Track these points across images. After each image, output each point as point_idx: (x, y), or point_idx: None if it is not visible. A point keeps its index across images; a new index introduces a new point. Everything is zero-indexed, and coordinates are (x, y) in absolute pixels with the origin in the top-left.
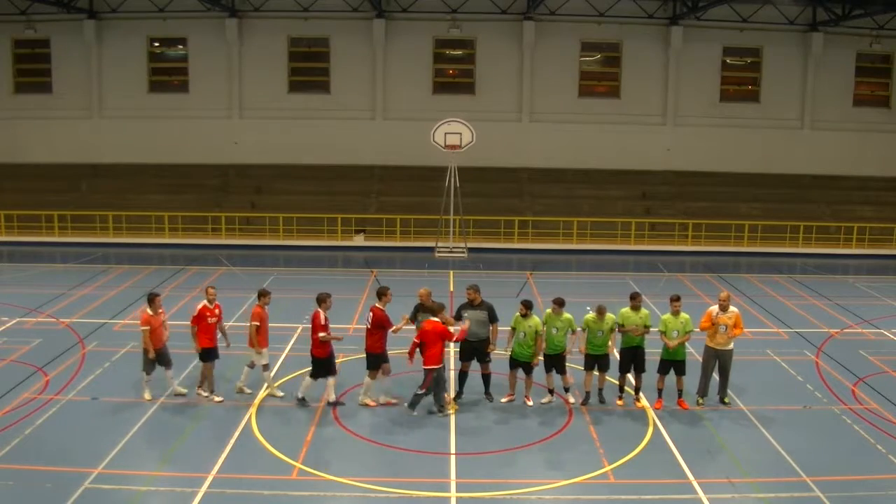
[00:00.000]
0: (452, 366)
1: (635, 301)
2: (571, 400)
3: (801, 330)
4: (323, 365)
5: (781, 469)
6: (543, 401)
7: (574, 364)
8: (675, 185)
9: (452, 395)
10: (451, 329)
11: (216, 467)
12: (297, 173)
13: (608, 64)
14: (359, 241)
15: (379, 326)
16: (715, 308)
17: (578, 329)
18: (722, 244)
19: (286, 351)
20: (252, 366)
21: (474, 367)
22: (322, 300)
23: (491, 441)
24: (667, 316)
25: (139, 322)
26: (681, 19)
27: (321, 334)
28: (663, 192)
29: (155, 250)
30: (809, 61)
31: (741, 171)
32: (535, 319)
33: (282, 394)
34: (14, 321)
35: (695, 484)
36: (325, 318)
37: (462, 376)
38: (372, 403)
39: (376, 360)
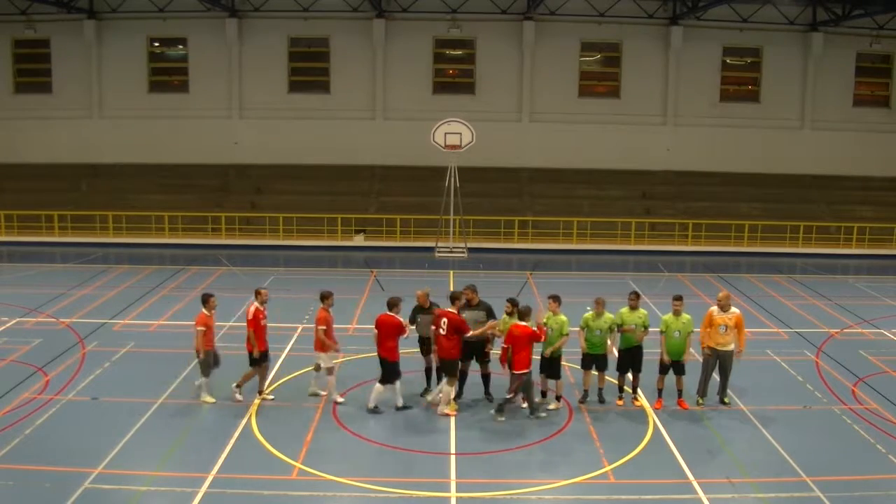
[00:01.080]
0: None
1: (633, 301)
2: (551, 407)
3: (801, 330)
4: (394, 369)
5: (781, 469)
6: (551, 407)
7: (572, 363)
8: (675, 185)
9: (452, 395)
10: (535, 328)
11: (216, 467)
12: (297, 173)
13: (608, 64)
14: (359, 241)
15: (456, 331)
16: (715, 308)
17: (574, 329)
18: (722, 244)
19: (286, 351)
20: (318, 369)
21: (474, 366)
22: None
23: (491, 441)
24: (668, 316)
25: (195, 323)
26: (681, 19)
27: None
28: (663, 192)
29: (155, 250)
30: (809, 61)
31: (741, 171)
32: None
33: (341, 399)
34: (14, 321)
35: (695, 484)
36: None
37: (462, 377)
38: (452, 412)
39: (454, 367)
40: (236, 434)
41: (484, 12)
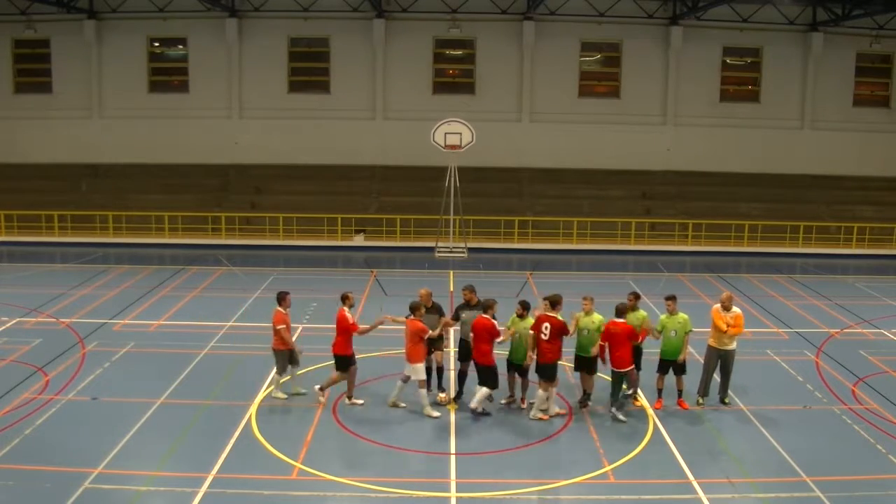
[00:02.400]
0: (452, 366)
1: (632, 301)
2: (539, 415)
3: (801, 330)
4: (493, 374)
5: (781, 469)
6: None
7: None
8: (675, 185)
9: (452, 394)
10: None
11: (216, 467)
12: (297, 173)
13: (608, 64)
14: (359, 241)
15: (559, 336)
16: (718, 306)
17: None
18: (722, 244)
19: None
20: (406, 380)
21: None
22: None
23: (491, 441)
24: (664, 316)
25: (273, 322)
26: (681, 19)
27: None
28: (663, 192)
29: (155, 250)
30: (809, 61)
31: (741, 171)
32: (531, 321)
33: (437, 414)
34: (14, 321)
35: (695, 484)
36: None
37: (461, 376)
38: (545, 417)
39: (554, 371)
40: (236, 434)
41: (484, 12)
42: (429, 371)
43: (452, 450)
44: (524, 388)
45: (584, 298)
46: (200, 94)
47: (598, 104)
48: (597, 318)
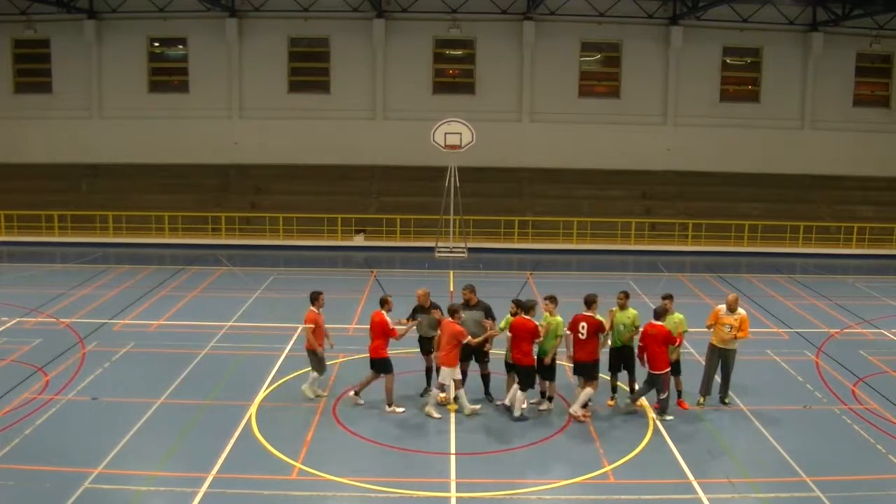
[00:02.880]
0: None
1: (622, 300)
2: (543, 407)
3: (801, 330)
4: (532, 374)
5: (781, 469)
6: (542, 408)
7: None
8: (675, 185)
9: (452, 394)
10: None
11: (216, 467)
12: (297, 173)
13: (608, 64)
14: (359, 241)
15: (595, 334)
16: (722, 307)
17: (565, 332)
18: (722, 244)
19: (286, 352)
20: (441, 387)
21: (473, 367)
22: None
23: (491, 441)
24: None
25: (305, 321)
26: (681, 19)
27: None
28: (663, 192)
29: (155, 250)
30: (809, 61)
31: (741, 171)
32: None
33: (478, 407)
34: (14, 321)
35: (695, 484)
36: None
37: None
38: (588, 415)
39: (593, 370)
40: (236, 434)
41: (484, 12)
42: (429, 371)
43: (452, 450)
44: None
45: (546, 299)
46: (200, 94)
47: (598, 104)
48: (559, 318)
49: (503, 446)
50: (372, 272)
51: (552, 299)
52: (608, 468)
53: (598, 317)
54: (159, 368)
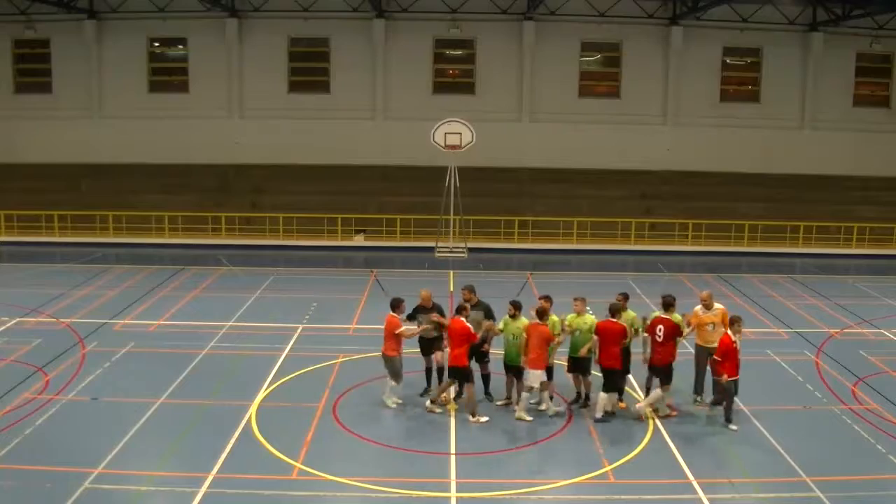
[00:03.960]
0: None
1: (620, 302)
2: (543, 407)
3: (801, 330)
4: (620, 378)
5: (781, 469)
6: (541, 408)
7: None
8: (675, 185)
9: (452, 395)
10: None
11: (216, 467)
12: (297, 173)
13: (608, 64)
14: (359, 241)
15: (673, 336)
16: (699, 308)
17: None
18: (722, 244)
19: (286, 352)
20: (531, 389)
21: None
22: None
23: (491, 441)
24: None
25: (388, 327)
26: (681, 19)
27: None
28: (663, 192)
29: (155, 250)
30: (809, 61)
31: (741, 171)
32: (524, 321)
33: (557, 408)
34: (14, 321)
35: (695, 484)
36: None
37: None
38: (672, 413)
39: (670, 372)
40: (236, 434)
41: (484, 12)
42: (429, 371)
43: (452, 450)
44: (519, 390)
45: (576, 299)
46: (200, 94)
47: (598, 104)
48: (589, 318)
49: (503, 446)
50: (372, 272)
51: (582, 300)
52: (608, 468)
53: (677, 318)
54: (159, 368)
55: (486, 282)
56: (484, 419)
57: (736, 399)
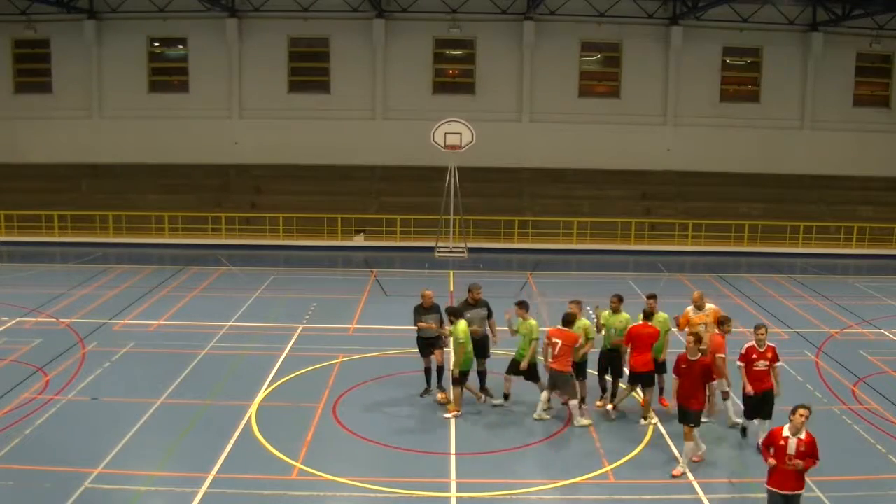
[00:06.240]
0: (453, 364)
1: (615, 303)
2: (503, 404)
3: (801, 330)
4: (653, 379)
5: None
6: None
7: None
8: (675, 185)
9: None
10: None
11: (216, 467)
12: (297, 173)
13: (608, 64)
14: (359, 241)
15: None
16: (690, 308)
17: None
18: (722, 244)
19: (286, 352)
20: (727, 397)
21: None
22: (649, 314)
23: (491, 441)
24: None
25: (568, 341)
26: (681, 19)
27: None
28: (663, 192)
29: (155, 250)
30: (809, 61)
31: (741, 171)
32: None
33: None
34: (14, 321)
35: (695, 484)
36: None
37: (462, 377)
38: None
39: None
40: (236, 434)
41: (484, 12)
42: (428, 371)
43: (452, 450)
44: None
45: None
46: (200, 94)
47: (598, 104)
48: (624, 316)
49: (503, 446)
50: (372, 272)
51: (619, 299)
52: (608, 468)
53: (663, 316)
54: (159, 368)
55: (486, 282)
56: (654, 420)
57: (735, 398)
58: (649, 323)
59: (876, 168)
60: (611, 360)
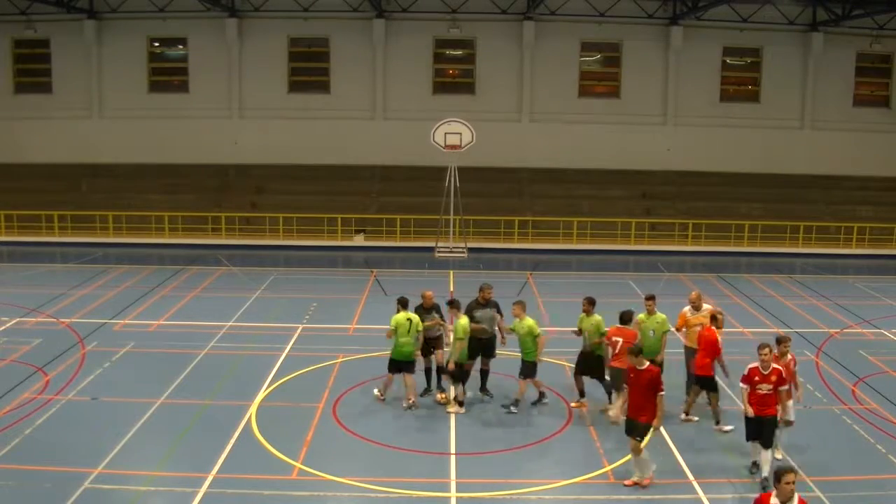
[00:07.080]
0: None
1: (587, 307)
2: (514, 410)
3: (801, 330)
4: (714, 383)
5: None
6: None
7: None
8: (675, 185)
9: (452, 394)
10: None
11: (216, 467)
12: (297, 173)
13: (608, 64)
14: (359, 241)
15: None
16: (687, 308)
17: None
18: (722, 244)
19: (286, 352)
20: (788, 423)
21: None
22: (714, 318)
23: (491, 441)
24: (642, 315)
25: (628, 339)
26: (681, 19)
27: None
28: (663, 192)
29: (155, 250)
30: (809, 61)
31: (741, 171)
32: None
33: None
34: (14, 321)
35: (695, 484)
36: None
37: (464, 376)
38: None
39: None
40: (236, 434)
41: (484, 12)
42: (428, 371)
43: (452, 450)
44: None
45: (647, 298)
46: (200, 94)
47: (598, 104)
48: (660, 317)
49: (503, 446)
50: (372, 272)
51: (652, 298)
52: (608, 468)
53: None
54: (159, 368)
55: (485, 282)
56: (728, 427)
57: (735, 398)
58: (627, 327)
59: (876, 168)
60: (591, 362)
